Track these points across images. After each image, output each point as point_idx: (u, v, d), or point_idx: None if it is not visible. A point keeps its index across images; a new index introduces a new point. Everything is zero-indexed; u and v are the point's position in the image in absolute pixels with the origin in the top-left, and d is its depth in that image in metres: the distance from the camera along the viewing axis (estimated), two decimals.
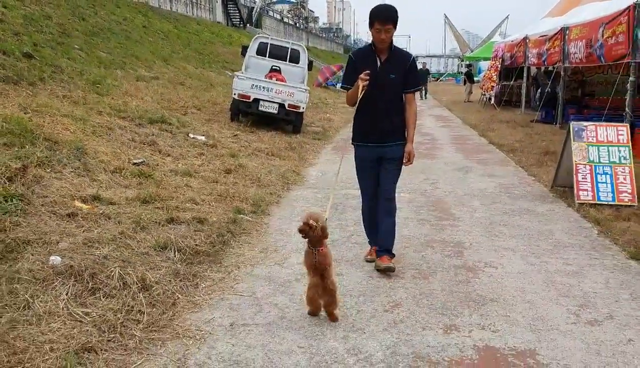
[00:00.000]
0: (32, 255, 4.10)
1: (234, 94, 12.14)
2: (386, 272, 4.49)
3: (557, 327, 3.64)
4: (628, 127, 7.34)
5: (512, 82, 22.12)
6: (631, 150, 7.14)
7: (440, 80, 66.92)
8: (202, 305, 3.90)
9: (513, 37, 22.88)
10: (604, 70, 16.85)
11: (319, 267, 3.63)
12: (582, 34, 12.97)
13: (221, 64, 24.26)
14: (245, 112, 12.33)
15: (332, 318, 3.67)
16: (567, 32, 14.07)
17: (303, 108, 12.33)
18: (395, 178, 4.73)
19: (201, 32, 30.70)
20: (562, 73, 15.53)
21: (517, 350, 3.35)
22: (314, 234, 3.62)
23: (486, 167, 9.57)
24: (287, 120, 12.48)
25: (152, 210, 5.52)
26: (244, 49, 14.22)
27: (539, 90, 18.69)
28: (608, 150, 7.07)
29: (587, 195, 6.84)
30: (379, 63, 4.51)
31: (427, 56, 79.61)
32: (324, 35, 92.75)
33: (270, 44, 13.91)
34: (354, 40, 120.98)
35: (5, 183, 5.10)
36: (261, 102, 11.96)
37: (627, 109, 10.58)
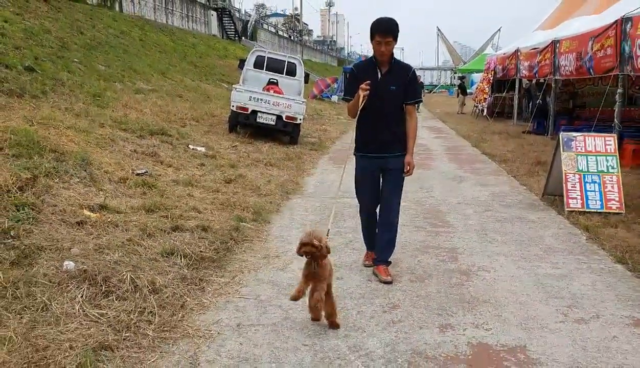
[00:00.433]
0: (46, 260, 4.30)
1: (232, 106, 12.38)
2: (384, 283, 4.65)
3: (546, 326, 3.86)
4: (615, 137, 7.60)
5: (504, 94, 22.49)
6: (618, 160, 7.39)
7: (434, 92, 67.47)
8: (210, 307, 4.09)
9: (505, 49, 23.28)
10: (595, 82, 17.17)
11: (316, 278, 3.67)
12: (572, 46, 13.30)
13: (217, 76, 24.54)
14: (244, 123, 12.57)
15: (333, 325, 3.77)
16: (558, 45, 14.41)
17: (300, 119, 12.58)
18: (397, 190, 4.80)
19: (197, 45, 31.01)
20: (553, 85, 15.84)
21: (508, 346, 3.56)
22: (319, 253, 3.67)
23: (479, 177, 9.82)
24: (285, 132, 12.72)
25: (157, 219, 5.73)
26: (242, 62, 14.50)
27: (531, 102, 19.03)
28: (596, 160, 7.32)
29: (577, 203, 7.08)
30: (379, 75, 4.61)
31: (420, 69, 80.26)
32: (318, 48, 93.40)
33: (268, 57, 14.20)
34: (348, 53, 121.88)
35: (17, 192, 5.30)
36: (259, 114, 12.20)
37: (615, 119, 10.86)
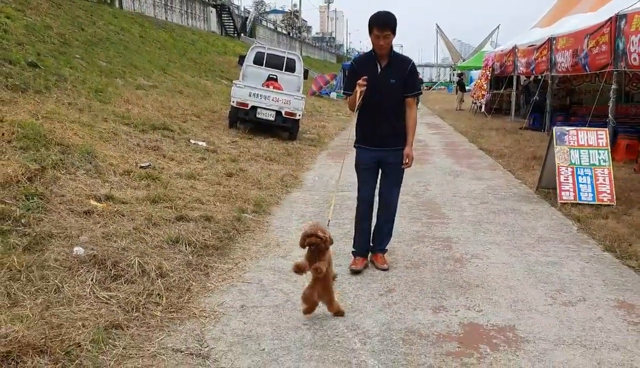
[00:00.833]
0: (57, 247, 4.48)
1: (233, 102, 12.55)
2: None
3: (535, 308, 4.06)
4: (607, 131, 7.78)
5: (502, 91, 22.66)
6: (610, 153, 7.58)
7: (433, 89, 67.61)
8: (214, 290, 4.28)
9: (503, 46, 23.44)
10: (592, 79, 17.37)
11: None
12: (568, 44, 13.47)
13: (217, 73, 24.68)
14: (244, 119, 12.74)
15: (338, 313, 3.84)
16: (554, 42, 14.57)
17: (299, 115, 12.75)
18: (397, 183, 4.85)
19: (196, 41, 31.13)
20: (549, 81, 16.02)
21: (498, 326, 3.76)
22: (324, 244, 3.72)
23: (475, 171, 10.02)
24: (284, 127, 12.89)
25: (161, 209, 5.91)
26: (241, 58, 14.66)
27: (529, 99, 19.21)
28: (589, 153, 7.52)
29: (569, 196, 7.27)
30: (379, 69, 4.62)
31: (419, 65, 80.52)
32: (317, 45, 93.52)
33: (267, 53, 14.36)
34: (347, 50, 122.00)
35: (26, 183, 5.48)
36: (259, 110, 12.38)
37: (610, 115, 11.03)
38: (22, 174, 5.54)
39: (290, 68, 14.18)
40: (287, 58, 14.39)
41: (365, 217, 4.92)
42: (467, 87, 32.55)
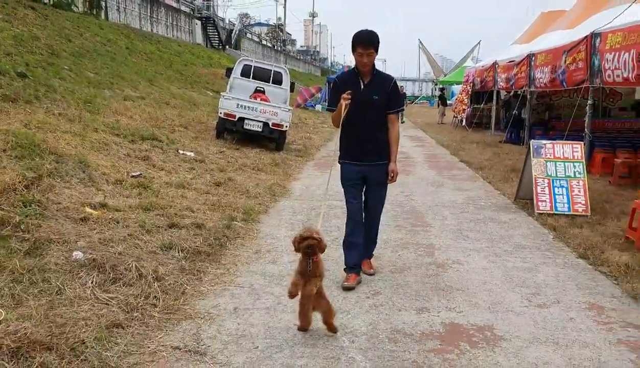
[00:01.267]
0: (56, 251, 4.67)
1: (220, 113, 12.77)
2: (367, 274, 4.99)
3: (512, 309, 4.32)
4: (582, 144, 8.12)
5: (482, 105, 23.15)
6: (585, 166, 7.92)
7: (415, 103, 68.32)
8: (208, 294, 4.48)
9: (483, 62, 23.98)
10: (570, 94, 17.86)
11: (310, 275, 3.72)
12: (546, 60, 13.91)
13: (202, 84, 24.88)
14: (231, 130, 12.95)
15: (332, 328, 3.80)
16: (533, 58, 15.02)
17: (286, 127, 13.00)
18: (381, 198, 4.94)
19: (182, 53, 31.34)
20: (528, 96, 16.47)
21: (477, 325, 4.01)
22: (320, 246, 3.79)
23: (456, 182, 10.33)
24: (271, 138, 13.12)
25: (154, 217, 6.10)
26: (229, 70, 14.92)
27: (507, 113, 19.67)
28: (564, 166, 7.85)
29: (546, 206, 7.59)
30: (362, 85, 4.72)
31: (402, 79, 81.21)
32: (301, 58, 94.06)
33: (254, 66, 14.64)
34: (331, 63, 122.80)
35: (23, 190, 5.64)
36: (246, 121, 12.61)
37: (586, 129, 11.43)
38: (20, 182, 5.71)
39: (277, 81, 14.47)
40: (274, 71, 14.68)
41: (356, 233, 4.92)
42: (448, 102, 33.11)
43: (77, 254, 4.61)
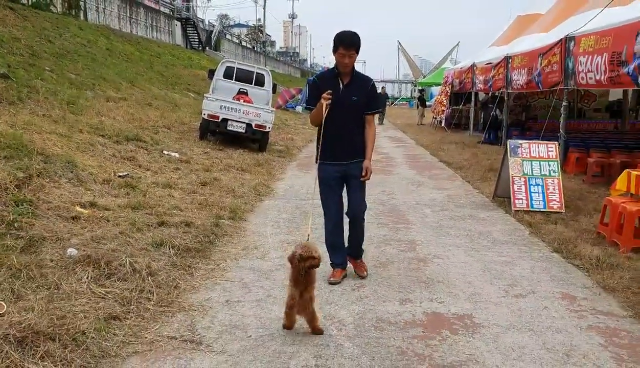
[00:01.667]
0: (51, 248, 4.81)
1: (204, 114, 12.89)
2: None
3: (490, 299, 4.56)
4: (557, 144, 8.42)
5: (461, 107, 23.56)
6: (559, 164, 8.23)
7: (395, 105, 68.85)
8: (200, 288, 4.65)
9: (462, 64, 24.37)
10: (546, 95, 18.29)
11: (303, 282, 3.76)
12: (523, 62, 14.27)
13: (184, 85, 24.88)
14: (214, 131, 13.08)
15: (317, 330, 3.84)
16: (510, 60, 15.38)
17: (269, 128, 13.17)
18: (362, 191, 4.94)
19: (162, 54, 31.26)
20: (505, 98, 16.84)
21: (457, 314, 4.24)
22: (318, 263, 3.80)
23: (436, 182, 10.60)
24: (254, 139, 13.29)
25: (143, 215, 6.24)
26: (211, 72, 15.06)
27: (484, 114, 20.06)
28: (540, 165, 8.14)
29: (522, 203, 7.87)
30: (341, 86, 4.76)
31: (381, 81, 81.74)
32: (281, 59, 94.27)
33: (237, 68, 14.80)
34: (311, 64, 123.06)
35: (14, 190, 5.75)
36: (230, 122, 12.75)
37: (561, 130, 11.79)
38: (11, 182, 5.81)
39: (260, 82, 14.65)
40: (257, 73, 14.87)
41: (337, 232, 5.01)
42: (427, 103, 33.52)
43: (72, 251, 4.74)
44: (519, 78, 14.58)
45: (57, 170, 6.88)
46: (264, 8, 69.22)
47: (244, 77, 14.65)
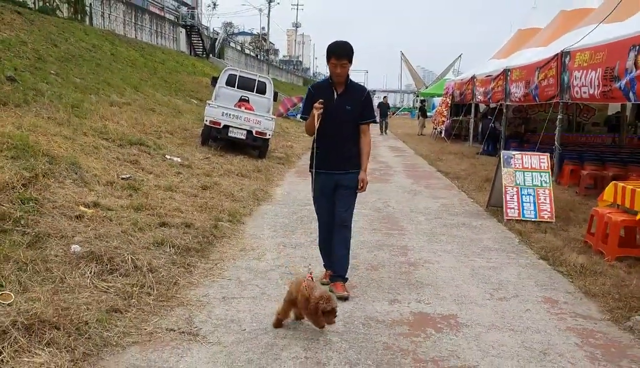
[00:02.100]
0: (55, 245, 5.01)
1: (206, 121, 13.14)
2: (341, 299, 4.55)
3: (475, 302, 4.76)
4: (548, 156, 8.63)
5: (461, 118, 23.80)
6: (551, 175, 8.44)
7: (396, 115, 69.14)
8: (198, 285, 4.86)
9: (462, 75, 24.66)
10: (546, 108, 18.51)
11: (299, 306, 3.99)
12: (521, 75, 14.53)
13: (187, 92, 25.17)
14: (216, 137, 13.32)
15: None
16: (509, 73, 15.65)
17: (269, 135, 13.42)
18: (350, 204, 4.90)
19: (166, 61, 31.59)
20: (504, 110, 17.07)
21: (443, 314, 4.44)
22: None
23: (432, 191, 10.81)
24: (254, 146, 13.52)
25: (145, 216, 6.46)
26: (214, 79, 15.33)
27: (483, 126, 20.30)
28: (532, 175, 8.35)
29: (514, 213, 8.08)
30: (335, 95, 4.77)
31: (383, 91, 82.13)
32: (284, 67, 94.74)
33: (239, 75, 15.08)
34: (314, 73, 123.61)
35: (21, 188, 5.97)
36: (231, 129, 13.00)
37: (556, 142, 12.01)
38: (17, 181, 6.03)
39: (261, 90, 14.91)
40: (259, 81, 15.13)
41: (328, 238, 5.00)
42: (428, 113, 33.79)
43: (75, 247, 4.95)
44: (517, 91, 14.83)
45: (61, 171, 7.10)
46: (268, 17, 69.94)
47: (246, 84, 14.92)
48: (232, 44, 64.01)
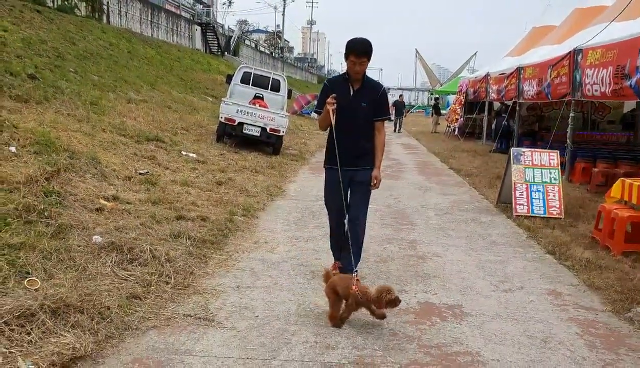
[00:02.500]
0: (77, 235, 5.23)
1: (221, 118, 13.37)
2: None
3: (480, 293, 4.92)
4: (558, 153, 8.73)
5: (474, 115, 23.83)
6: (560, 172, 8.54)
7: (411, 112, 69.03)
8: (213, 275, 5.06)
9: (476, 73, 24.67)
10: (560, 106, 18.49)
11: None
12: (534, 73, 14.58)
13: (202, 90, 25.47)
14: (230, 134, 13.54)
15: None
16: (522, 71, 15.69)
17: (283, 132, 13.62)
18: (365, 201, 4.94)
19: (182, 58, 31.94)
20: (517, 108, 17.12)
21: (448, 304, 4.60)
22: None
23: (443, 187, 10.95)
24: (268, 143, 13.74)
25: (162, 209, 6.69)
26: (229, 77, 15.57)
27: (496, 123, 20.30)
28: (541, 172, 8.47)
29: (523, 209, 8.20)
30: (351, 91, 4.78)
31: (398, 89, 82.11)
32: (298, 65, 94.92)
33: (254, 73, 15.30)
34: (328, 71, 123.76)
35: (44, 182, 6.21)
36: (245, 126, 13.21)
37: (568, 140, 12.08)
38: (41, 175, 6.27)
39: (276, 88, 15.12)
40: (273, 78, 15.34)
41: (338, 234, 5.07)
42: (442, 111, 33.80)
43: (97, 238, 5.18)
44: (530, 89, 14.88)
45: (82, 165, 7.34)
46: (283, 14, 70.19)
47: (261, 82, 15.14)
48: (247, 42, 64.32)
